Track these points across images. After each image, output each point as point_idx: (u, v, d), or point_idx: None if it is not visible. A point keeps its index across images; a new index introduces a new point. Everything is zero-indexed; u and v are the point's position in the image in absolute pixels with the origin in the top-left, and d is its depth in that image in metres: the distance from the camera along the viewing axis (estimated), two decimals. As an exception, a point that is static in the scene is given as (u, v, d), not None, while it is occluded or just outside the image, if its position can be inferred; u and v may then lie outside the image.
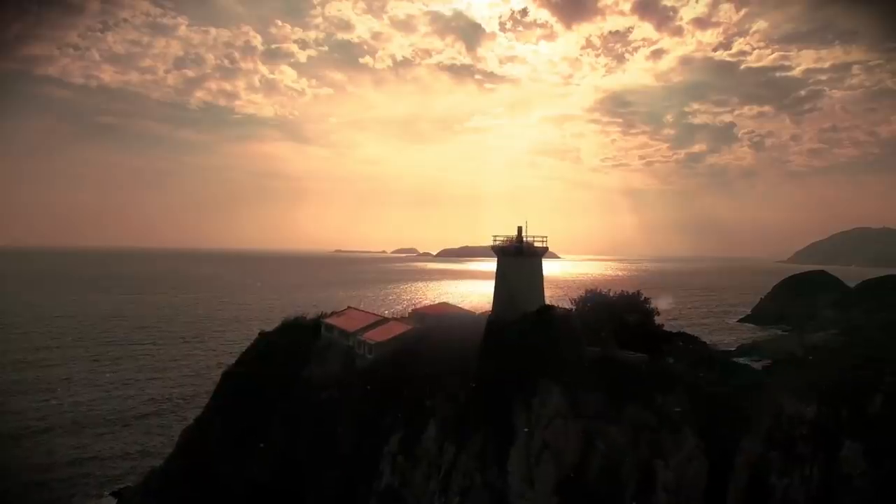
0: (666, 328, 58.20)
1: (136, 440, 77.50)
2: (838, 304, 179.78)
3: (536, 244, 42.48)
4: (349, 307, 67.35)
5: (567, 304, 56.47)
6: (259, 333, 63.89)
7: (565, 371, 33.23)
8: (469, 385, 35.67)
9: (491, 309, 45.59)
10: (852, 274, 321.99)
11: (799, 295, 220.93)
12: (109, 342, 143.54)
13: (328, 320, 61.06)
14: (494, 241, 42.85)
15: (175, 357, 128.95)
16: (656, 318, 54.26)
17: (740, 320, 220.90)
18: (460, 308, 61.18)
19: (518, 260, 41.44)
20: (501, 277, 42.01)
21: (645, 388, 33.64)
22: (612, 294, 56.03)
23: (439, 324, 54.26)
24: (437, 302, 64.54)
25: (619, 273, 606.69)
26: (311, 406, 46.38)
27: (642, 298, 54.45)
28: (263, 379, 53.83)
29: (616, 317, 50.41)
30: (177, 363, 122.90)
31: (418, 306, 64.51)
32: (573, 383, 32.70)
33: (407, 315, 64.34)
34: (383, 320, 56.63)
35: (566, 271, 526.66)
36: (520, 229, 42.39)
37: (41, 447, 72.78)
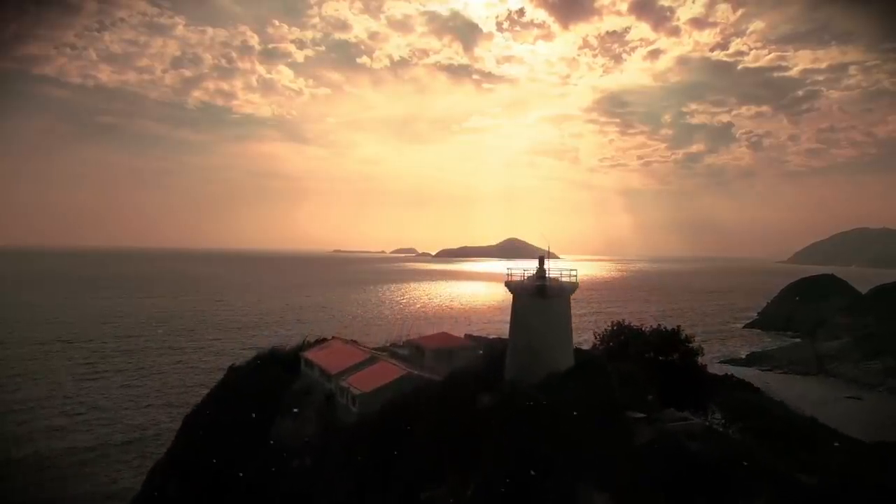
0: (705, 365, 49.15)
1: (114, 474, 68.09)
2: (849, 309, 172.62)
3: (563, 279, 33.05)
4: (334, 337, 58.28)
5: (591, 339, 47.64)
6: (228, 369, 54.85)
7: (613, 467, 24.02)
8: (479, 475, 26.54)
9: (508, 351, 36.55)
10: (853, 274, 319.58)
11: (807, 299, 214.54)
12: (102, 351, 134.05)
13: (308, 354, 52.04)
14: (509, 274, 33.52)
15: (168, 370, 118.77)
16: (699, 358, 44.87)
17: (746, 325, 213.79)
18: (463, 340, 52.25)
19: (540, 302, 31.72)
20: (518, 325, 32.28)
21: (720, 489, 24.39)
22: (644, 329, 46.80)
23: (438, 362, 45.84)
24: (436, 332, 55.38)
25: (616, 273, 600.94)
26: (279, 476, 37.37)
27: (682, 336, 45.01)
28: (227, 431, 44.77)
29: (653, 360, 41.53)
30: (169, 378, 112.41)
31: (413, 336, 55.52)
32: (624, 486, 23.45)
33: (401, 343, 55.74)
34: (372, 359, 47.52)
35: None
36: (541, 260, 32.92)
37: (12, 483, 63.56)
